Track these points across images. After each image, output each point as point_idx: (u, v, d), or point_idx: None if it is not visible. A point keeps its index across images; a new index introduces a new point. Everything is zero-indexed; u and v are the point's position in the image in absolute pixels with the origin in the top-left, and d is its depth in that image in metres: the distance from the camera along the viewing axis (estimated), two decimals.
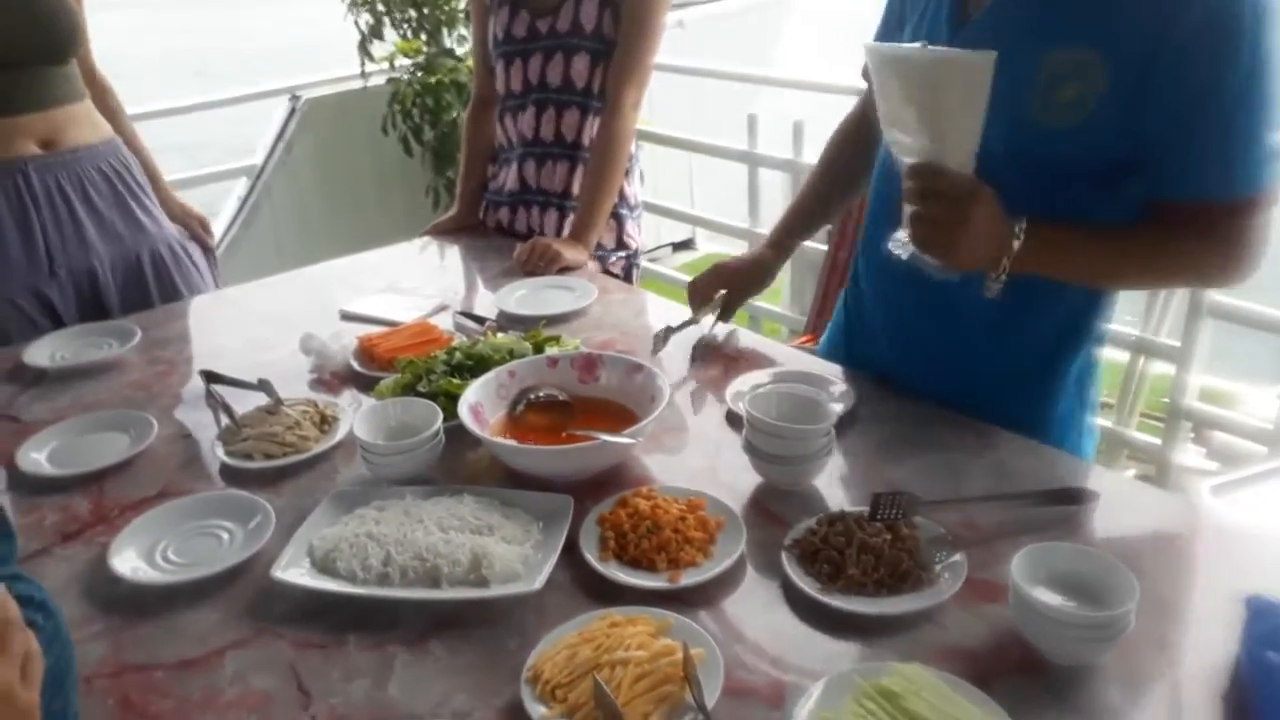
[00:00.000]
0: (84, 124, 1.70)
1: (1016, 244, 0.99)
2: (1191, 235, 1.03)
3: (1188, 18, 0.96)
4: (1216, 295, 2.02)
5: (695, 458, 1.15)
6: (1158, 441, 2.17)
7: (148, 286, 1.76)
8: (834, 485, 1.06)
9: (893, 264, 1.07)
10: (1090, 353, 1.21)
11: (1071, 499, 0.99)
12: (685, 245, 5.07)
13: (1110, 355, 3.16)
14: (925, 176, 0.98)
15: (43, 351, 1.45)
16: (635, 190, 1.94)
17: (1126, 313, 2.35)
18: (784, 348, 1.46)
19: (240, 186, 3.56)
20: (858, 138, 1.39)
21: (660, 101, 3.67)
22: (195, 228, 1.89)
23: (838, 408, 1.15)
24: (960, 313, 1.17)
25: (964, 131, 0.94)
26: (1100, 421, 2.42)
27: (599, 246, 1.84)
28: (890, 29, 1.27)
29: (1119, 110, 1.01)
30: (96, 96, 1.78)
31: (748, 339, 1.44)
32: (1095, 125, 1.02)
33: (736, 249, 4.39)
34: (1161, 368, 2.20)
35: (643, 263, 2.07)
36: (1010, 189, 0.99)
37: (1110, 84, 1.00)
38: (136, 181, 1.78)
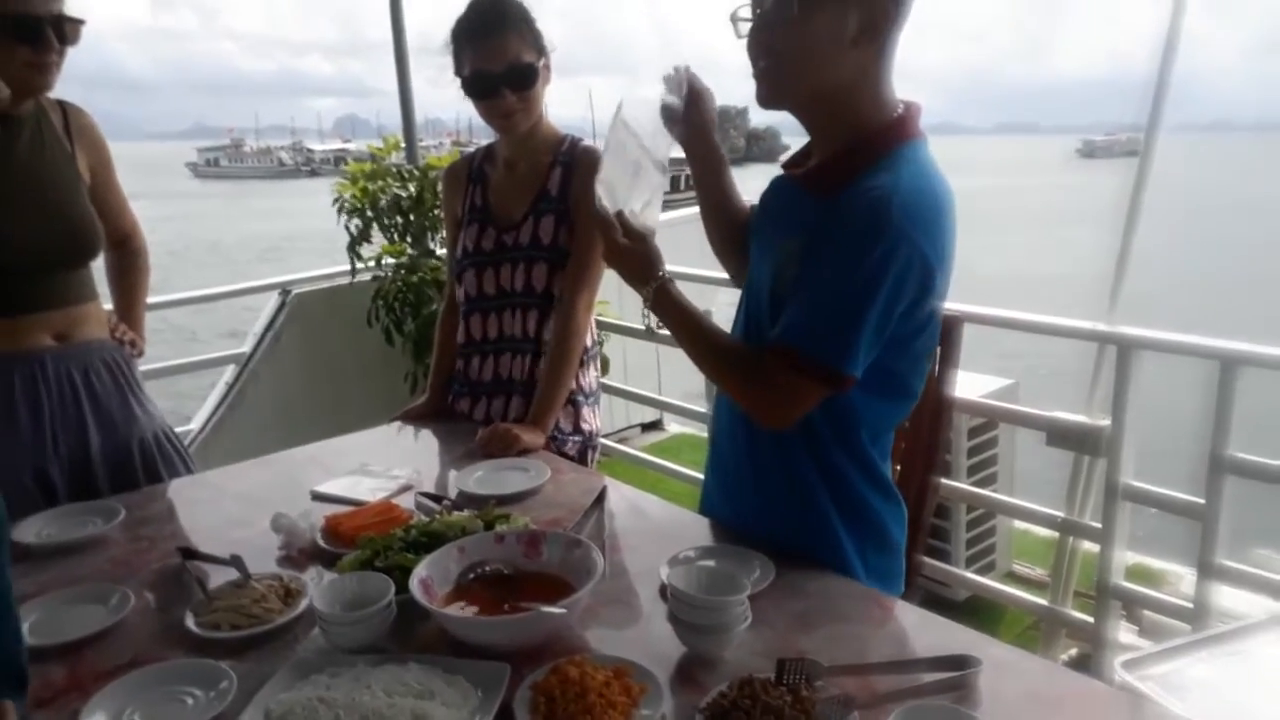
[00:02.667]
0: (93, 320, 1.88)
1: (649, 296, 1.42)
2: (756, 356, 1.33)
3: (842, 222, 1.27)
4: (1130, 480, 2.18)
5: (629, 628, 1.26)
6: (1092, 620, 2.27)
7: (135, 472, 1.89)
8: (751, 652, 1.16)
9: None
10: (856, 497, 1.41)
11: (956, 665, 1.10)
12: (654, 425, 5.25)
13: (1041, 532, 3.31)
14: (599, 225, 1.46)
15: (30, 529, 1.56)
16: (592, 379, 2.12)
17: (1051, 495, 2.51)
18: (709, 523, 1.58)
19: (228, 373, 3.75)
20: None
21: (630, 297, 3.95)
22: (122, 335, 1.97)
23: (756, 580, 1.27)
24: (742, 452, 1.48)
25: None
26: (1037, 599, 2.53)
27: (557, 430, 2.00)
28: None
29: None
30: (130, 254, 2.04)
31: (679, 515, 1.58)
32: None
33: (700, 429, 4.59)
34: (1093, 547, 2.33)
35: (608, 443, 2.22)
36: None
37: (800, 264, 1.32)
38: (134, 374, 1.95)
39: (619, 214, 1.45)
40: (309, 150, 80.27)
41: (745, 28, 1.34)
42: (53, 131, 1.83)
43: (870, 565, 1.43)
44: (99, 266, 1.95)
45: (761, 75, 1.34)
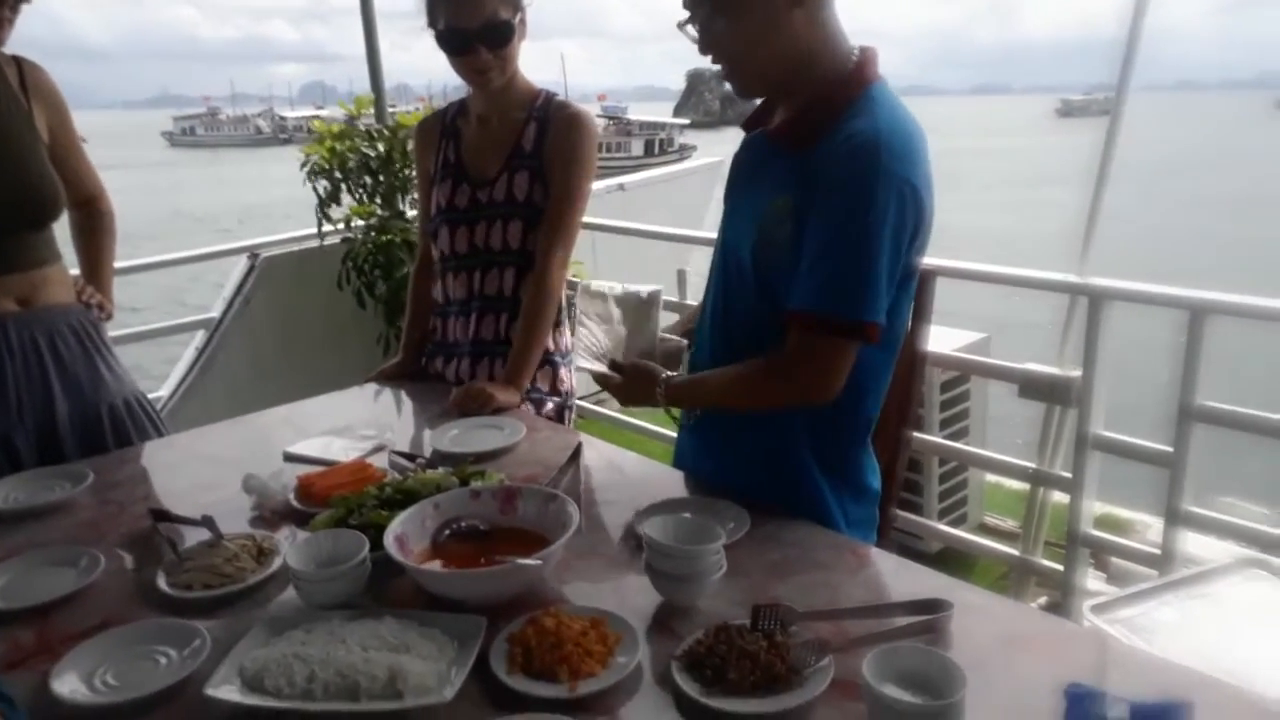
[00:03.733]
0: (58, 284, 1.83)
1: (661, 397, 1.47)
2: (772, 352, 1.35)
3: (834, 186, 1.28)
4: (1100, 430, 2.21)
5: (605, 580, 1.26)
6: (1062, 568, 2.31)
7: (104, 437, 1.86)
8: (726, 602, 1.17)
9: None
10: (835, 448, 1.44)
11: (928, 609, 1.12)
12: None
13: (1012, 485, 3.36)
14: (599, 380, 1.58)
15: None
16: (567, 339, 2.11)
17: (1022, 448, 2.55)
18: (685, 476, 1.59)
19: (198, 338, 3.70)
20: None
21: (604, 257, 3.94)
22: (89, 298, 1.92)
23: (731, 531, 1.28)
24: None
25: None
26: (1008, 550, 2.58)
27: (534, 389, 1.99)
28: None
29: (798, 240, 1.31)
30: (95, 215, 1.98)
31: (655, 469, 1.58)
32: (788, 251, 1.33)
33: None
34: (1062, 498, 2.37)
35: (584, 405, 2.22)
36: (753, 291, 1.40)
37: (800, 227, 1.30)
38: (102, 339, 1.91)
39: (610, 363, 1.58)
40: (282, 118, 78.66)
41: (694, 32, 1.36)
42: (8, 88, 1.77)
43: (850, 515, 1.45)
44: (63, 230, 1.90)
45: (726, 77, 1.38)
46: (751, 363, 1.39)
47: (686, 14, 1.36)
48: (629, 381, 1.53)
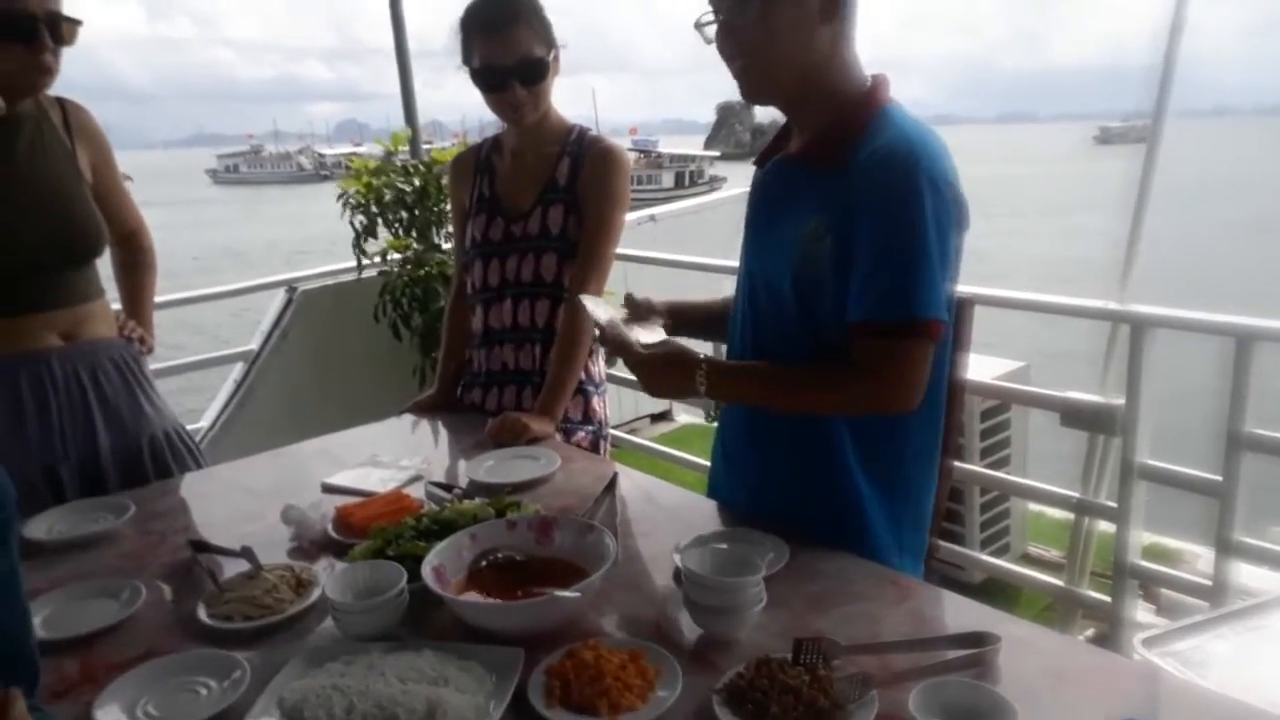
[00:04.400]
0: (101, 319, 1.87)
1: (702, 385, 1.35)
2: (856, 358, 1.31)
3: (879, 197, 1.28)
4: (1146, 459, 2.16)
5: (643, 612, 1.25)
6: (1109, 600, 2.25)
7: (145, 469, 1.88)
8: (766, 635, 1.15)
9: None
10: (893, 470, 1.42)
11: (975, 642, 1.09)
12: (663, 416, 5.25)
13: (1054, 515, 3.29)
14: (616, 350, 1.44)
15: (41, 526, 1.55)
16: (600, 369, 2.11)
17: (1066, 475, 2.50)
18: (722, 508, 1.58)
19: (237, 370, 3.75)
20: None
21: (636, 288, 3.94)
22: (131, 333, 1.96)
23: (770, 562, 1.26)
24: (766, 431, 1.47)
25: None
26: (1053, 580, 2.52)
27: (566, 419, 1.99)
28: None
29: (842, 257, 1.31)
30: (135, 251, 2.03)
31: (692, 500, 1.57)
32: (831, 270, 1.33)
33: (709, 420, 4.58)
34: (1108, 528, 2.31)
35: (618, 434, 2.21)
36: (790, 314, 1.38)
37: (839, 248, 1.31)
38: (143, 372, 1.94)
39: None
40: (321, 155, 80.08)
41: (712, 32, 1.36)
42: (52, 130, 1.82)
43: (904, 542, 1.43)
44: (105, 265, 1.94)
45: (741, 75, 1.36)
46: (824, 368, 1.36)
47: (708, 13, 1.35)
48: (658, 353, 1.39)
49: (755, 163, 1.51)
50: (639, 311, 1.56)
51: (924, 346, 1.29)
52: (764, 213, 1.47)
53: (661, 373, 1.39)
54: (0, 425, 1.72)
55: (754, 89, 1.37)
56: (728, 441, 1.59)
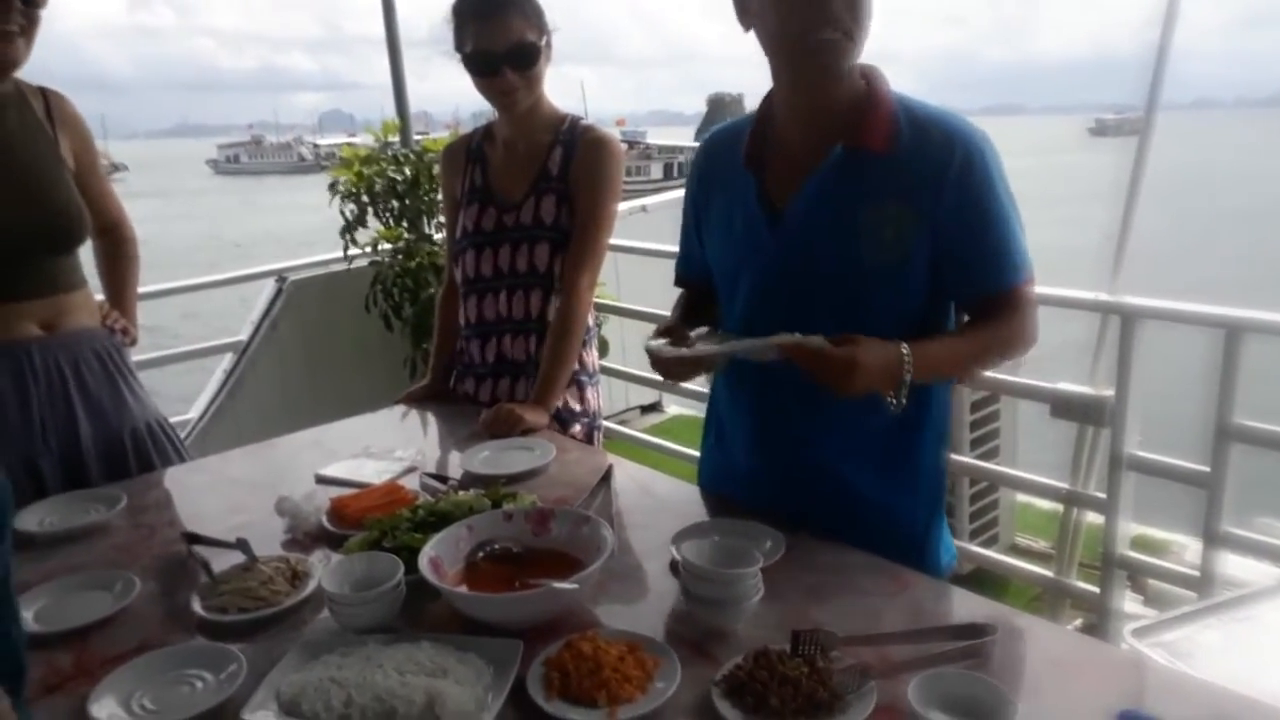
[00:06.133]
0: (82, 309, 1.84)
1: (909, 374, 1.25)
2: (998, 321, 1.35)
3: (951, 165, 1.29)
4: (1135, 450, 2.18)
5: (640, 603, 1.25)
6: (1097, 590, 2.27)
7: (127, 460, 1.86)
8: (764, 626, 1.16)
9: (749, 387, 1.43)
10: (933, 455, 1.43)
11: (972, 633, 1.10)
12: (653, 408, 5.26)
13: (1043, 505, 3.31)
14: (807, 360, 1.24)
15: (32, 518, 1.54)
16: (594, 359, 2.11)
17: (1054, 467, 2.52)
18: (718, 499, 1.58)
19: (226, 361, 3.73)
20: (699, 309, 1.62)
21: (627, 278, 3.94)
22: (114, 323, 1.93)
23: (768, 554, 1.27)
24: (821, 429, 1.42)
25: None
26: (1041, 571, 2.54)
27: (561, 410, 1.99)
28: (690, 249, 1.60)
29: (922, 242, 1.31)
30: (117, 242, 2.00)
31: (687, 491, 1.57)
32: (909, 259, 1.32)
33: (699, 410, 4.58)
34: (1095, 518, 2.33)
35: (609, 425, 2.21)
36: (861, 306, 1.34)
37: (910, 218, 1.30)
38: (126, 363, 1.91)
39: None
40: (316, 145, 79.50)
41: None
42: (34, 117, 1.80)
43: (934, 528, 1.46)
44: (88, 257, 1.92)
45: (846, 41, 1.27)
46: (984, 329, 1.37)
47: None
48: (872, 353, 1.23)
49: (747, 165, 1.41)
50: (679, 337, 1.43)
51: (1034, 295, 1.38)
52: (799, 216, 1.37)
53: (875, 369, 1.24)
54: None
55: (845, 60, 1.30)
56: (726, 429, 1.57)
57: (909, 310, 1.36)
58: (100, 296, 2.00)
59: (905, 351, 1.25)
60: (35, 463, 1.74)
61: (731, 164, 1.44)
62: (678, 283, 1.67)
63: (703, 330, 1.43)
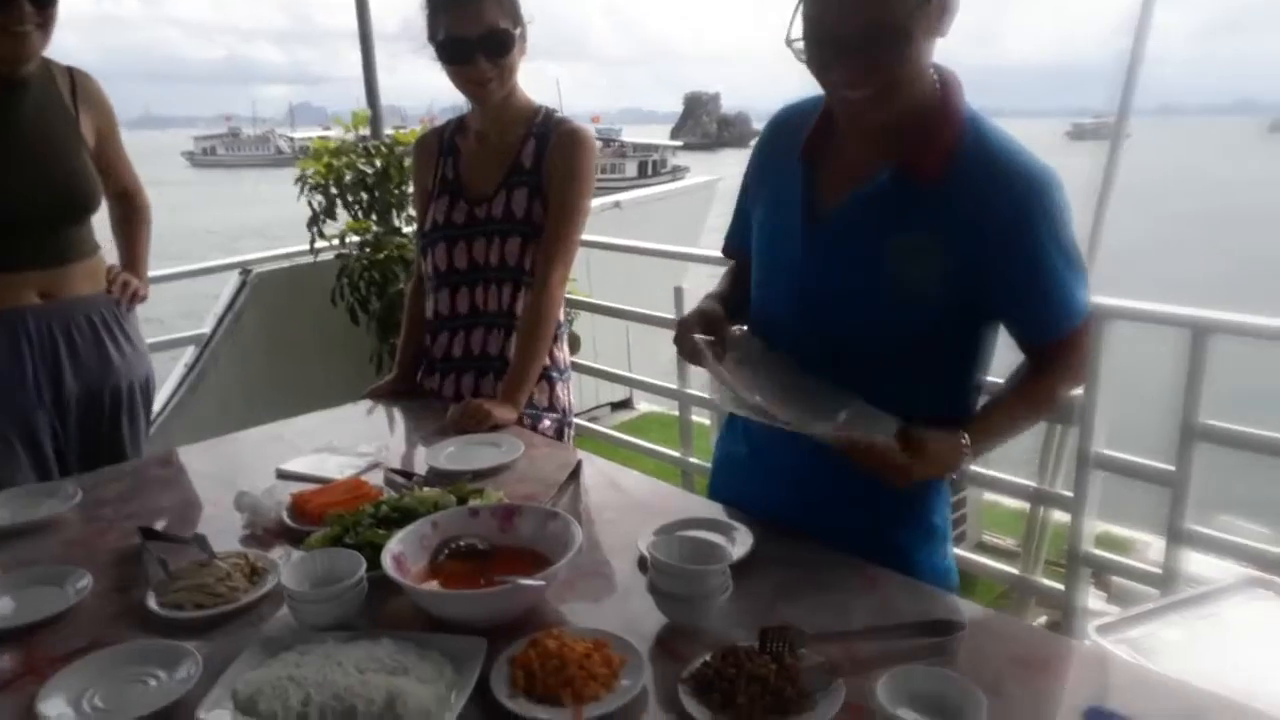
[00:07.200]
0: (83, 278, 1.96)
1: (967, 459, 1.24)
2: (1054, 367, 1.34)
3: (1005, 207, 1.22)
4: (1103, 449, 2.19)
5: (607, 601, 1.23)
6: (1062, 588, 2.29)
7: (103, 417, 2.00)
8: (732, 623, 1.14)
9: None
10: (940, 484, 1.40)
11: (940, 630, 1.09)
12: (624, 405, 5.24)
13: (1009, 503, 3.34)
14: (860, 454, 1.22)
15: None
16: (564, 355, 2.09)
17: (1022, 465, 2.53)
18: (688, 496, 1.57)
19: (188, 354, 3.66)
20: (742, 283, 1.52)
21: (598, 274, 3.92)
22: (114, 280, 2.05)
23: (736, 551, 1.26)
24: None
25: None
26: (1007, 569, 2.55)
27: (530, 406, 1.97)
28: (741, 222, 1.52)
29: (959, 278, 1.26)
30: (132, 208, 2.16)
31: (657, 488, 1.56)
32: (936, 297, 1.27)
33: (669, 408, 4.58)
34: (1061, 516, 2.34)
35: (579, 422, 2.19)
36: (878, 342, 1.30)
37: (948, 259, 1.24)
38: (120, 325, 2.03)
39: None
40: (291, 138, 78.74)
41: (802, 49, 1.22)
42: (58, 96, 1.93)
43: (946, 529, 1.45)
44: (101, 227, 2.05)
45: (870, 101, 1.21)
46: (1038, 383, 1.35)
47: (799, 39, 1.21)
48: (936, 449, 1.22)
49: (803, 156, 1.35)
50: (713, 325, 1.38)
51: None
52: (842, 234, 1.32)
53: (932, 469, 1.25)
54: None
55: (873, 112, 1.24)
56: (755, 440, 1.47)
57: (930, 329, 1.31)
58: (113, 260, 2.14)
59: (966, 443, 1.24)
60: (28, 417, 1.88)
61: (790, 149, 1.38)
62: (725, 252, 1.60)
63: (743, 329, 1.35)
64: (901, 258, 1.25)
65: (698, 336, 1.33)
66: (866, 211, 1.29)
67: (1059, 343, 1.33)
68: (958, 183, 1.24)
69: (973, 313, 1.32)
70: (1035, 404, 1.39)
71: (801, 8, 1.20)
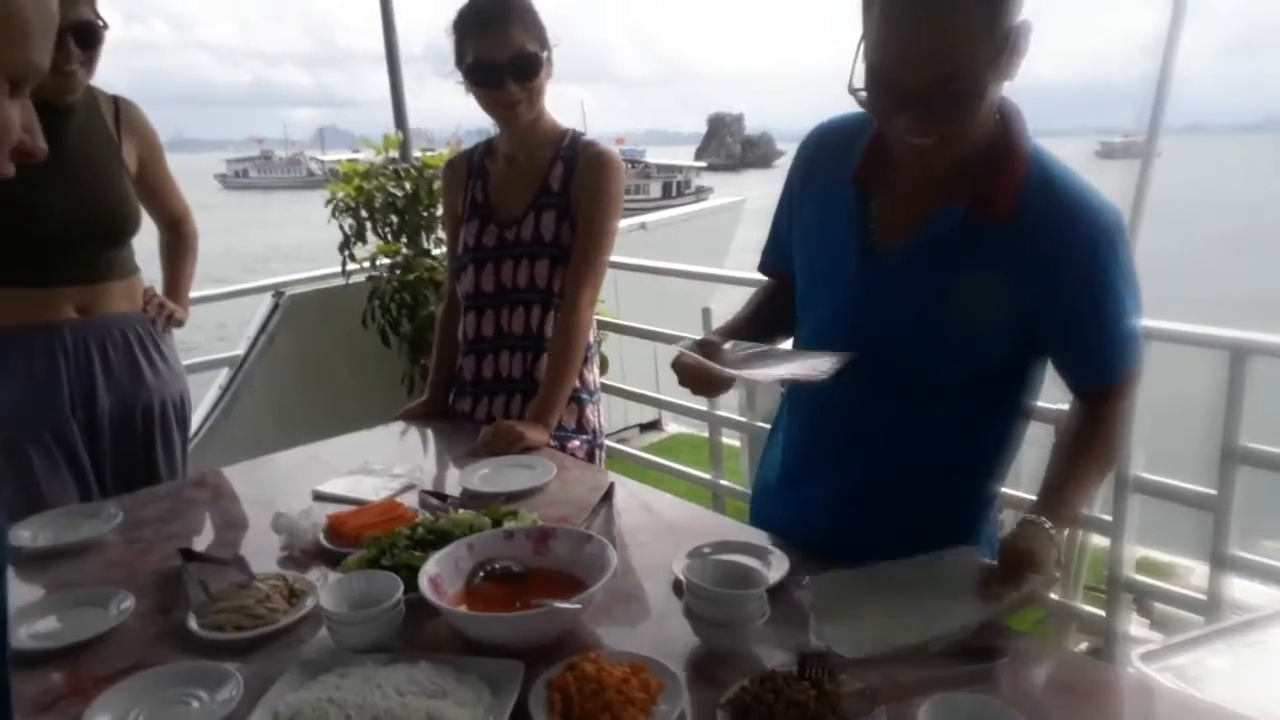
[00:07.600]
0: (120, 296, 2.00)
1: (1054, 550, 1.19)
2: (1109, 413, 1.30)
3: (1071, 248, 1.21)
4: (1141, 472, 2.16)
5: (642, 624, 1.23)
6: (1103, 613, 2.25)
7: (136, 434, 2.02)
8: (770, 647, 1.14)
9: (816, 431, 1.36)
10: (990, 514, 1.43)
11: (983, 656, 1.08)
12: (653, 426, 5.24)
13: None
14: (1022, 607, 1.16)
15: (24, 533, 1.52)
16: (594, 377, 2.09)
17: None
18: (720, 518, 1.56)
19: (222, 376, 3.71)
20: (779, 301, 1.52)
21: (626, 296, 3.93)
22: (150, 302, 2.08)
23: (772, 574, 1.25)
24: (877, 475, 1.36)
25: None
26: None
27: (560, 428, 1.97)
28: (779, 241, 1.49)
29: (1025, 316, 1.24)
30: (179, 237, 2.21)
31: (690, 510, 1.55)
32: (1001, 337, 1.26)
33: (699, 429, 4.56)
34: (1100, 541, 2.31)
35: (609, 443, 2.19)
36: (942, 374, 1.29)
37: (1018, 297, 1.23)
38: (156, 344, 2.06)
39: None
40: (321, 160, 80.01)
41: (864, 98, 1.18)
42: (102, 123, 1.98)
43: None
44: (144, 250, 2.10)
45: (938, 148, 1.18)
46: (1092, 444, 1.30)
47: (863, 90, 1.18)
48: (1043, 551, 1.17)
49: (855, 180, 1.32)
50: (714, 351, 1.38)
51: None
52: (906, 261, 1.28)
53: (1047, 561, 1.20)
54: (16, 385, 1.87)
55: (939, 158, 1.22)
56: (792, 466, 1.47)
57: (994, 364, 1.30)
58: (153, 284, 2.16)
59: (1052, 531, 1.19)
60: (63, 428, 1.92)
61: (836, 171, 1.34)
62: (761, 269, 1.56)
63: (749, 347, 1.36)
64: (971, 296, 1.23)
65: (684, 350, 1.33)
66: (935, 249, 1.26)
67: (1111, 386, 1.29)
68: (1028, 221, 1.21)
69: (1033, 350, 1.30)
70: (1100, 466, 1.32)
71: (863, 53, 1.15)
